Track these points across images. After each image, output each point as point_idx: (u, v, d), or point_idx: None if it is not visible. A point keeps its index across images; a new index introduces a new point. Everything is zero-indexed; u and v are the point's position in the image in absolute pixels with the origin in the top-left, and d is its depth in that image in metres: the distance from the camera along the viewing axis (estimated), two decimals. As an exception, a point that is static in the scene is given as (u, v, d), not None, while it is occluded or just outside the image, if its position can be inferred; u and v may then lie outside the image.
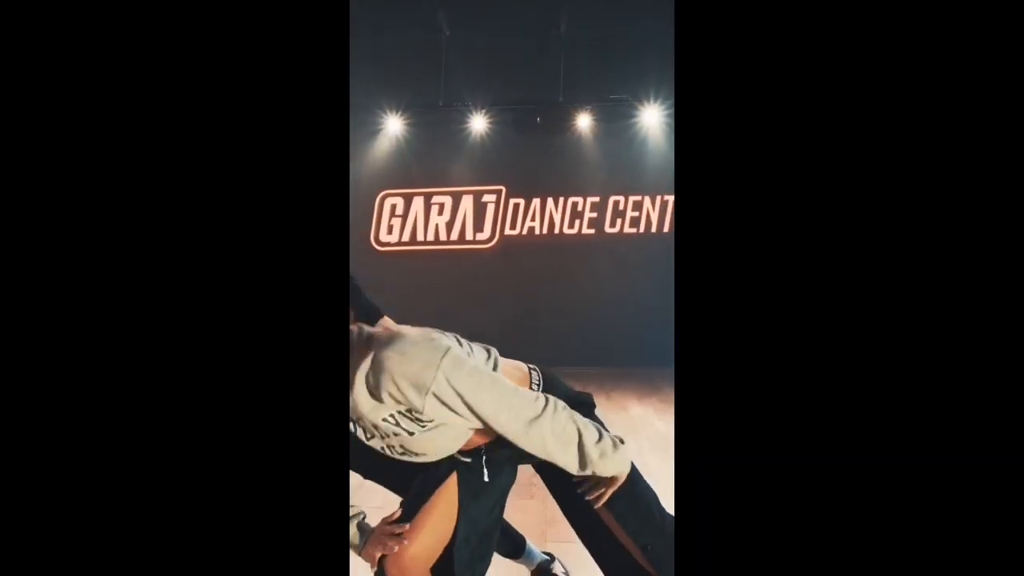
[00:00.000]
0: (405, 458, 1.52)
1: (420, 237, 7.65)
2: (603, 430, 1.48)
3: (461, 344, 1.58)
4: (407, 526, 1.52)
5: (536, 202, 7.58)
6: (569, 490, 1.55)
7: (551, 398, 1.46)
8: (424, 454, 1.51)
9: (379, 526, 1.55)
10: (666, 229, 7.17)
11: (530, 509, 3.25)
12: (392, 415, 1.41)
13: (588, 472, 1.45)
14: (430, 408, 1.38)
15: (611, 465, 1.45)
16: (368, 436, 1.50)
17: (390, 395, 1.37)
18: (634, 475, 1.52)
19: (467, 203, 7.64)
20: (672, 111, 6.68)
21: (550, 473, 1.60)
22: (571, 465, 1.45)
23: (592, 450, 1.43)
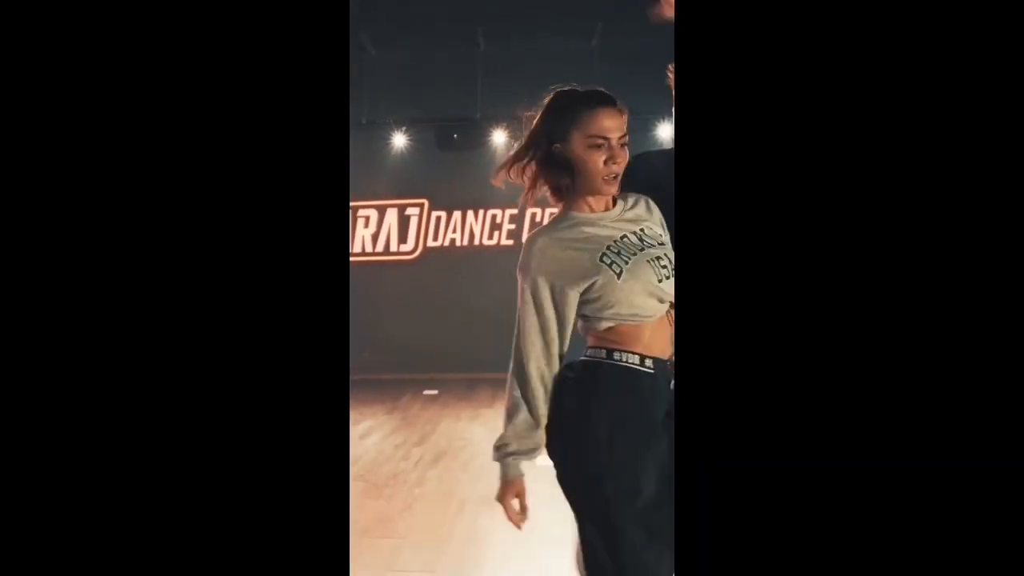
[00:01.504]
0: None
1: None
2: None
3: None
4: None
5: (457, 215, 7.56)
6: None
7: None
8: None
9: None
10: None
11: (376, 509, 3.29)
12: None
13: None
14: None
15: None
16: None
17: None
18: None
19: (391, 216, 7.57)
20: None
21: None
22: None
23: None
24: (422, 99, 7.03)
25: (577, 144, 1.45)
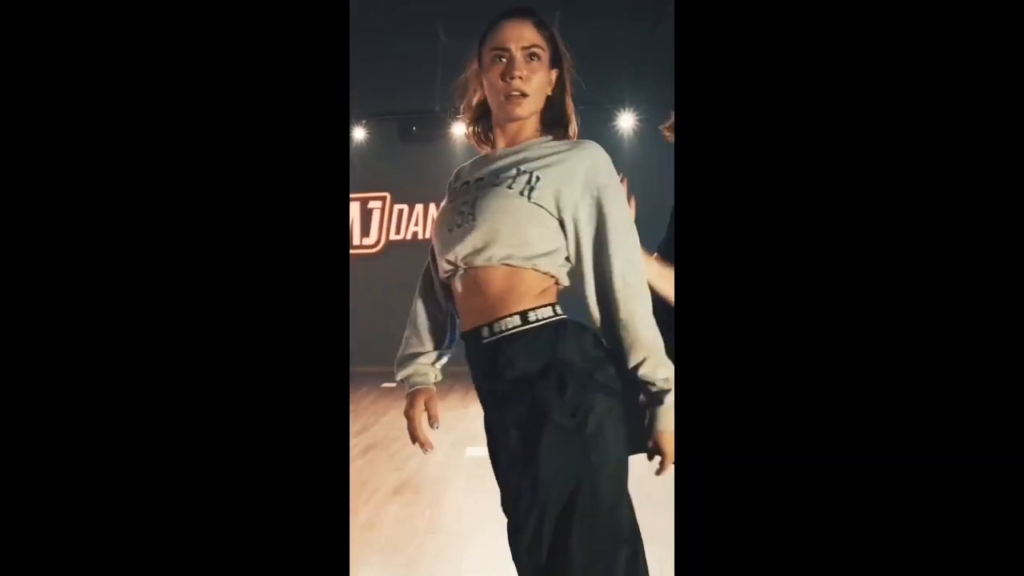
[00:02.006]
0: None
1: (308, 244, 7.45)
2: None
3: None
4: None
5: (419, 207, 7.50)
6: None
7: None
8: None
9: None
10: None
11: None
12: None
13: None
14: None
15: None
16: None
17: None
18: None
19: (354, 210, 7.49)
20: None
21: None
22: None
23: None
24: (382, 92, 6.97)
25: (486, 64, 1.19)
